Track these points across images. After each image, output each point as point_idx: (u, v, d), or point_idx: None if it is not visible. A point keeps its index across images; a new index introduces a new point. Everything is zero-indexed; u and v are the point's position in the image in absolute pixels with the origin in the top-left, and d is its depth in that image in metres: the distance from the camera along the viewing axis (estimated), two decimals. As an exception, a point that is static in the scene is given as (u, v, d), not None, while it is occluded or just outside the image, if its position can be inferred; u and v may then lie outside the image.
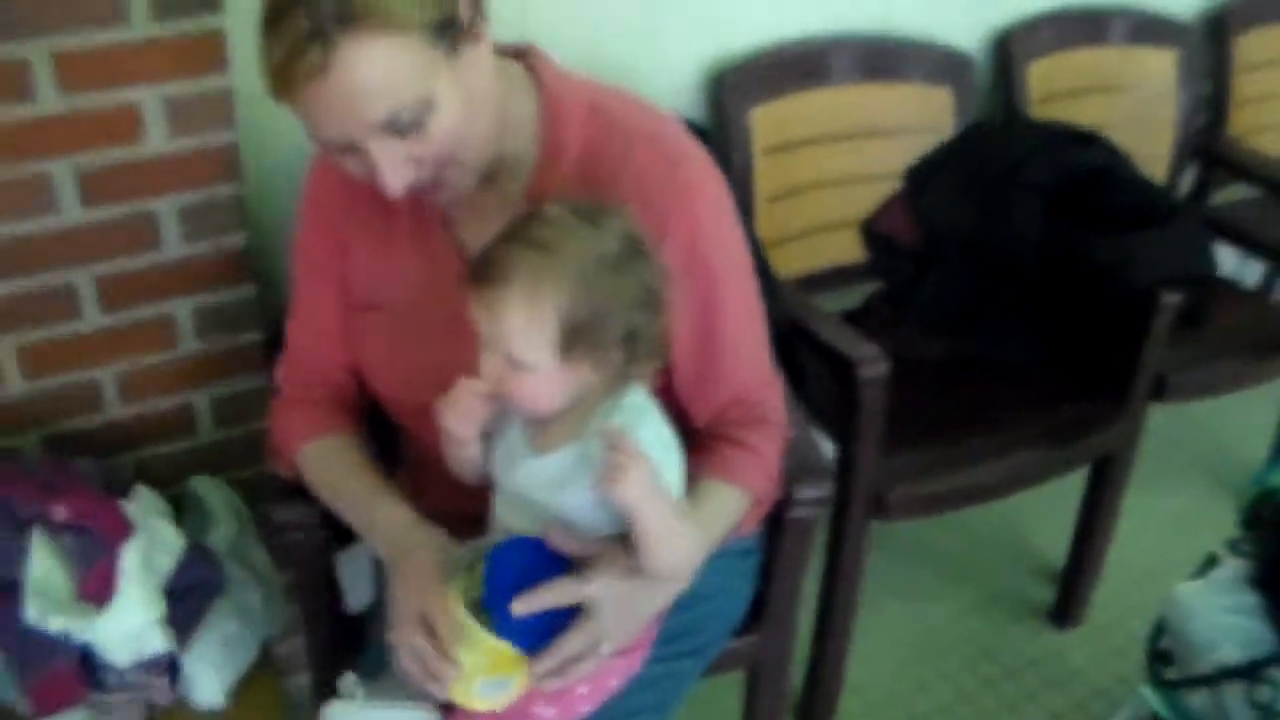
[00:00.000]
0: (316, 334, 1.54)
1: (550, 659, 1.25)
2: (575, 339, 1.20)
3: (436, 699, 1.34)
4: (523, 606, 1.23)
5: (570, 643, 1.25)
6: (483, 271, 1.21)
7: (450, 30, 1.21)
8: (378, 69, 1.17)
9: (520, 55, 1.42)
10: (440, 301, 1.43)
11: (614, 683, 1.37)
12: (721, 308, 1.41)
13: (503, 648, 1.23)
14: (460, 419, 1.30)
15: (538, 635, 1.25)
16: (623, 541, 1.28)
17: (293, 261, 1.55)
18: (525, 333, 1.20)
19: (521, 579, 1.25)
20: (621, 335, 1.22)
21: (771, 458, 1.48)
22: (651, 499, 1.21)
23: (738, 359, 1.45)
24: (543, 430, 1.30)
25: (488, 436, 1.34)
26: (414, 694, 1.33)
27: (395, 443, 1.62)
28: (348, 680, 1.35)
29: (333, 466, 1.51)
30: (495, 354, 1.23)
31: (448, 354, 1.41)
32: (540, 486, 1.29)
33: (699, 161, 1.42)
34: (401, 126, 1.21)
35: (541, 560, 1.27)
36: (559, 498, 1.29)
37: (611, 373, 1.25)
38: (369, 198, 1.38)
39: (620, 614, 1.29)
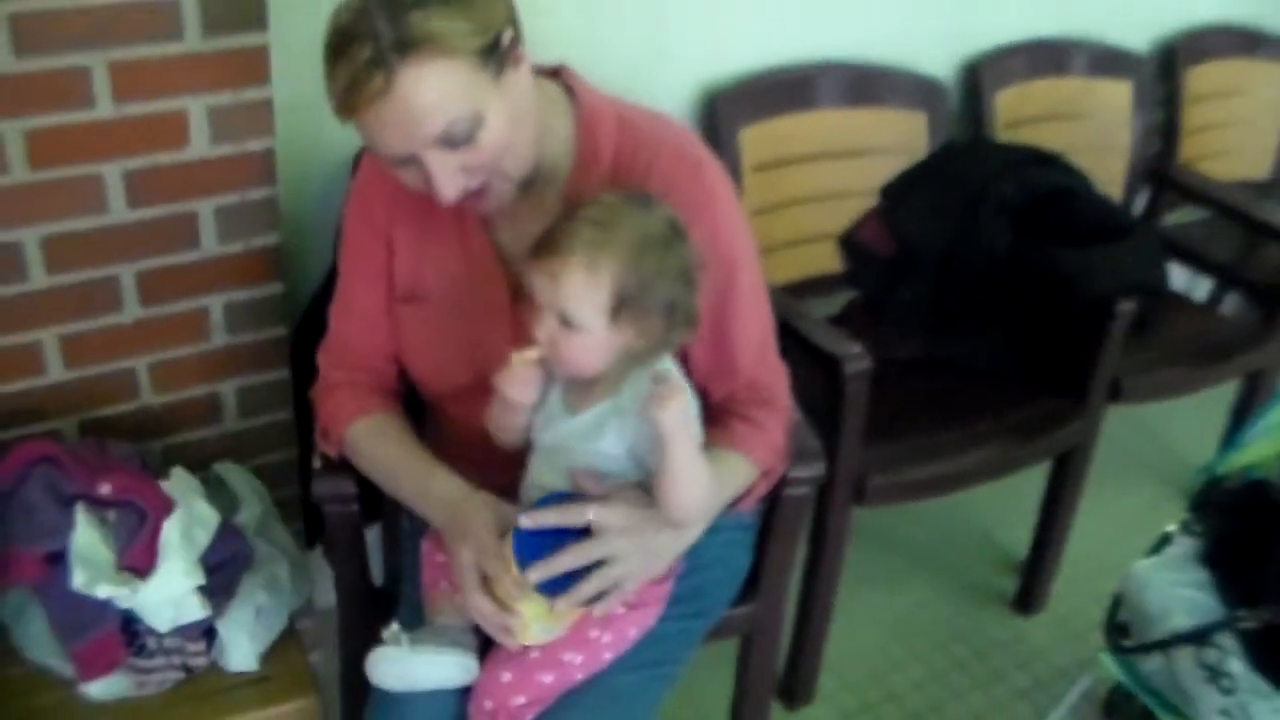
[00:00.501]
0: (360, 323, 1.64)
1: (545, 567, 1.37)
2: (624, 305, 1.34)
3: (473, 645, 1.47)
4: (530, 520, 1.38)
5: (570, 554, 1.38)
6: (547, 244, 1.35)
7: (495, 54, 1.34)
8: (434, 90, 1.30)
9: (555, 74, 1.56)
10: (477, 295, 1.57)
11: (632, 633, 1.51)
12: (736, 298, 1.55)
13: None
14: (518, 386, 1.44)
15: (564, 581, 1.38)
16: (640, 487, 1.43)
17: (339, 254, 1.65)
18: (582, 297, 1.34)
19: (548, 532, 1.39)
20: (664, 305, 1.36)
21: (777, 435, 1.62)
22: (685, 429, 1.36)
23: (749, 346, 1.58)
24: (581, 394, 1.44)
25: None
26: (453, 641, 1.46)
27: (421, 424, 1.72)
28: (392, 629, 1.46)
29: (382, 442, 1.61)
30: (551, 317, 1.36)
31: (482, 342, 1.56)
32: (576, 437, 1.44)
33: (715, 169, 1.56)
34: (455, 139, 1.34)
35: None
36: (593, 445, 1.43)
37: (652, 339, 1.39)
38: (412, 197, 1.50)
39: (632, 543, 1.41)
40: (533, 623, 1.40)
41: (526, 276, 1.39)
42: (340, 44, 1.30)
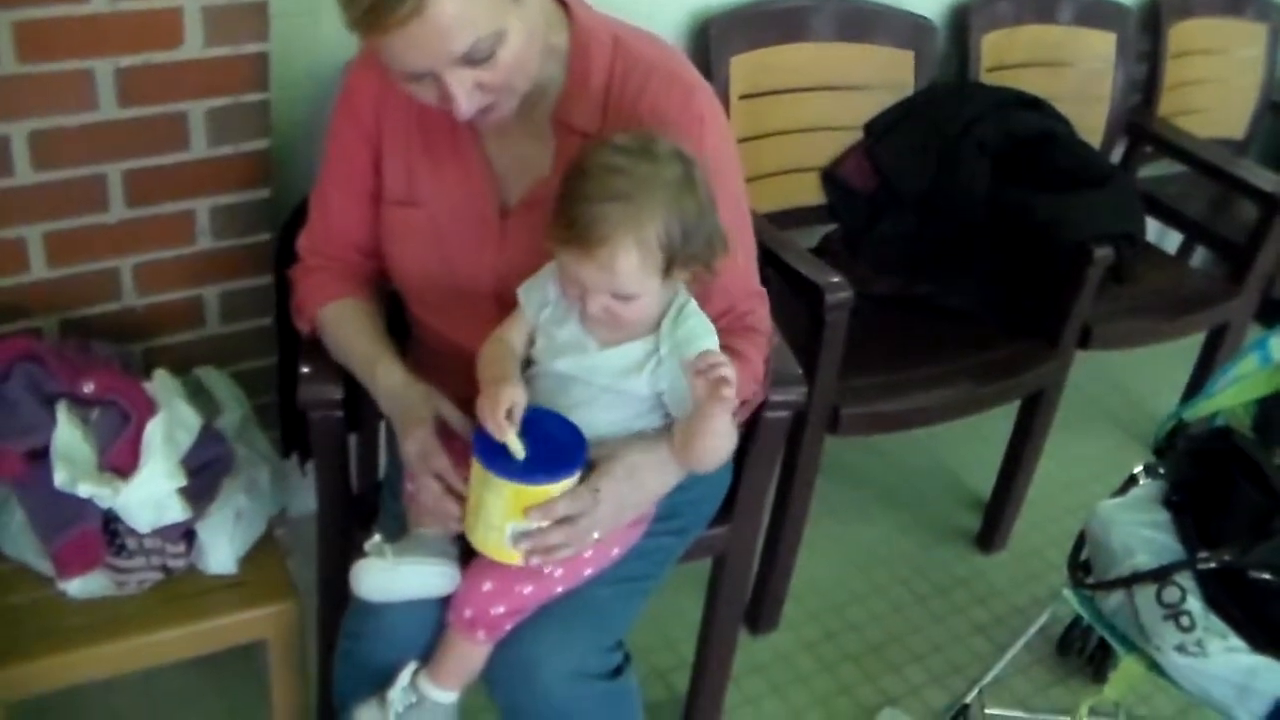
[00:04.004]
0: (336, 219, 1.67)
1: (535, 539, 1.40)
2: (674, 259, 1.36)
3: (455, 555, 1.49)
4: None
5: (561, 504, 1.41)
6: (586, 236, 1.34)
7: None
8: (463, 10, 1.29)
9: None
10: (467, 205, 1.58)
11: (615, 551, 1.54)
12: (723, 223, 1.56)
13: (524, 486, 1.37)
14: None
15: (541, 470, 1.39)
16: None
17: (326, 148, 1.66)
18: (638, 274, 1.35)
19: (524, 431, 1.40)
20: (705, 241, 1.39)
21: (758, 363, 1.63)
22: (729, 408, 1.39)
23: (735, 270, 1.59)
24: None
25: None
26: (435, 551, 1.48)
27: (406, 332, 1.74)
28: (374, 541, 1.47)
29: (345, 328, 1.65)
30: (602, 295, 1.37)
31: (468, 253, 1.58)
32: (604, 372, 1.45)
33: (707, 94, 1.57)
34: (477, 58, 1.34)
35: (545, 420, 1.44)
36: (622, 382, 1.45)
37: (699, 271, 1.42)
38: (405, 103, 1.51)
39: (614, 512, 1.46)
40: (504, 524, 1.40)
41: (566, 266, 1.39)
42: None
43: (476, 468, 1.39)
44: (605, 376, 1.45)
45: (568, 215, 1.35)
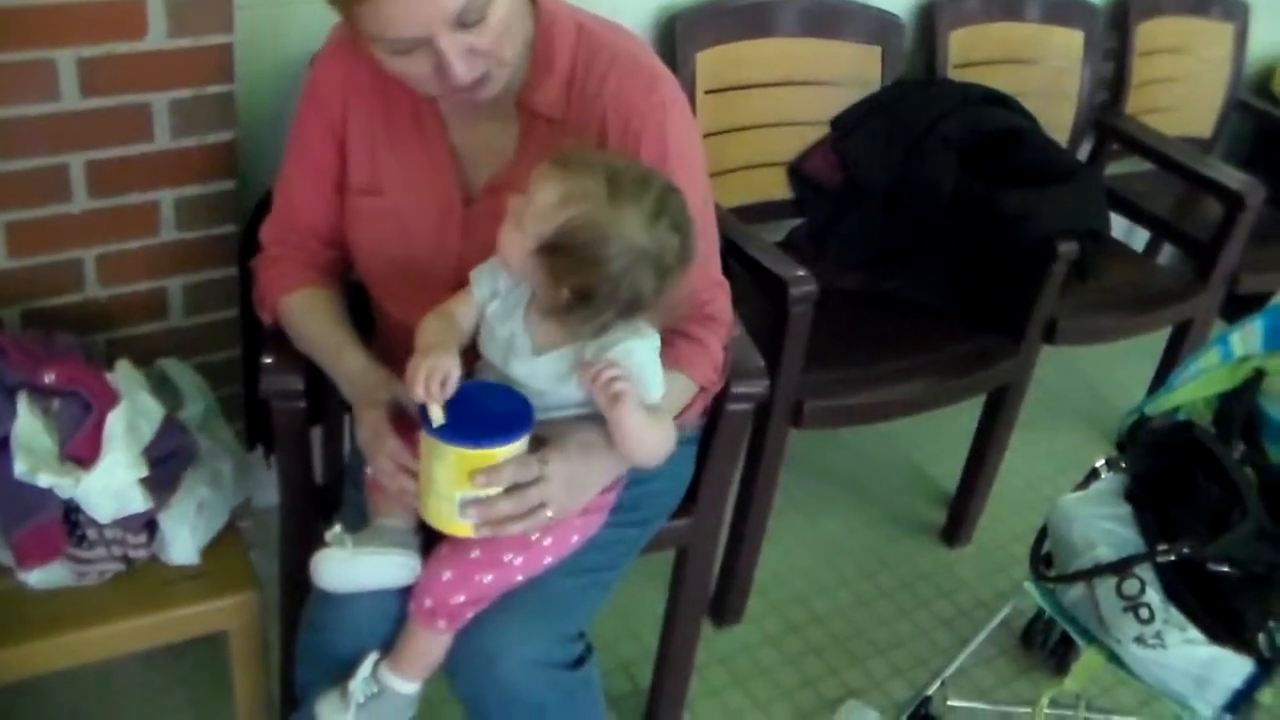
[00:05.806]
0: (300, 208, 1.67)
1: (484, 510, 1.40)
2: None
3: (416, 545, 1.49)
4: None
5: (508, 470, 1.40)
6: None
7: None
8: None
9: None
10: (432, 194, 1.58)
11: (575, 539, 1.53)
12: None
13: (467, 450, 1.37)
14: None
15: (485, 435, 1.39)
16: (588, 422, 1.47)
17: (289, 138, 1.67)
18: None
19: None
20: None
21: (717, 351, 1.64)
22: (634, 412, 1.40)
23: (695, 261, 1.59)
24: (543, 332, 1.45)
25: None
26: (396, 542, 1.48)
27: (369, 321, 1.74)
28: (335, 531, 1.47)
29: (309, 316, 1.65)
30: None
31: (432, 241, 1.58)
32: (541, 378, 1.45)
33: (671, 83, 1.57)
34: (469, 19, 1.34)
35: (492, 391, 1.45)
36: (557, 389, 1.45)
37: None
38: (372, 93, 1.52)
39: (561, 471, 1.44)
40: (452, 491, 1.39)
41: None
42: None
43: (424, 438, 1.39)
44: (540, 381, 1.46)
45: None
